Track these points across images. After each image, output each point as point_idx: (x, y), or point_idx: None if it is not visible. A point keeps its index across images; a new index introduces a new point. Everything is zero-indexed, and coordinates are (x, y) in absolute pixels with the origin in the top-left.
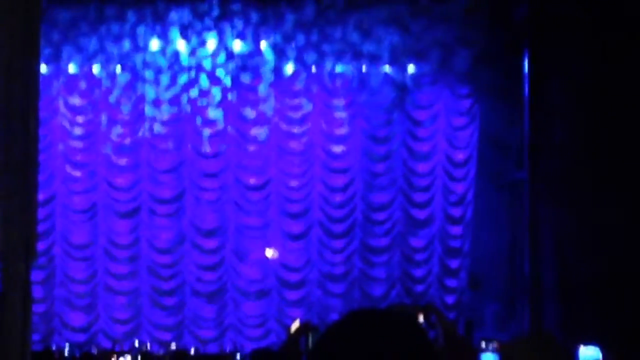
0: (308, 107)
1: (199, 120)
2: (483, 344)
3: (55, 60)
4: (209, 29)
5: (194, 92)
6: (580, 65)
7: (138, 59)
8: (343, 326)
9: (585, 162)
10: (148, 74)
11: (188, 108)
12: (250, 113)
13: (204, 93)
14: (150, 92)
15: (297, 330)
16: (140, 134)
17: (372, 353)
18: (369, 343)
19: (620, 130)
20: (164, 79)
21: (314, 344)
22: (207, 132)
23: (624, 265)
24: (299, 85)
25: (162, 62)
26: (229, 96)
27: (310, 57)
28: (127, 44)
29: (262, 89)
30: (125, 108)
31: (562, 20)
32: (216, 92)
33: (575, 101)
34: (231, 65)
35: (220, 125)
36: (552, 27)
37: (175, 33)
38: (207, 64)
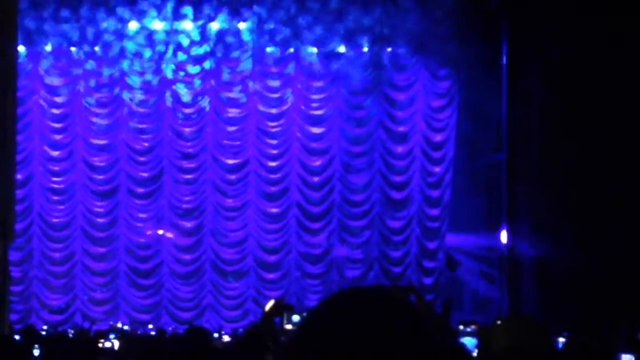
0: (286, 88)
1: (177, 101)
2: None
3: (34, 41)
4: (186, 10)
5: (171, 73)
6: (557, 49)
7: (116, 39)
8: (328, 307)
9: (563, 144)
10: (126, 55)
11: (166, 89)
12: (228, 94)
13: (182, 74)
14: (128, 73)
15: (272, 309)
16: (118, 114)
17: (363, 331)
18: (359, 321)
19: (596, 112)
20: (142, 60)
21: (298, 327)
22: (185, 113)
23: (602, 249)
24: (277, 67)
25: (140, 43)
26: (207, 77)
27: (288, 38)
28: (104, 25)
29: (240, 70)
30: (103, 89)
31: (538, 3)
32: (194, 73)
33: (552, 84)
34: (209, 47)
35: (198, 106)
36: (529, 10)
37: (152, 14)
38: (185, 45)
